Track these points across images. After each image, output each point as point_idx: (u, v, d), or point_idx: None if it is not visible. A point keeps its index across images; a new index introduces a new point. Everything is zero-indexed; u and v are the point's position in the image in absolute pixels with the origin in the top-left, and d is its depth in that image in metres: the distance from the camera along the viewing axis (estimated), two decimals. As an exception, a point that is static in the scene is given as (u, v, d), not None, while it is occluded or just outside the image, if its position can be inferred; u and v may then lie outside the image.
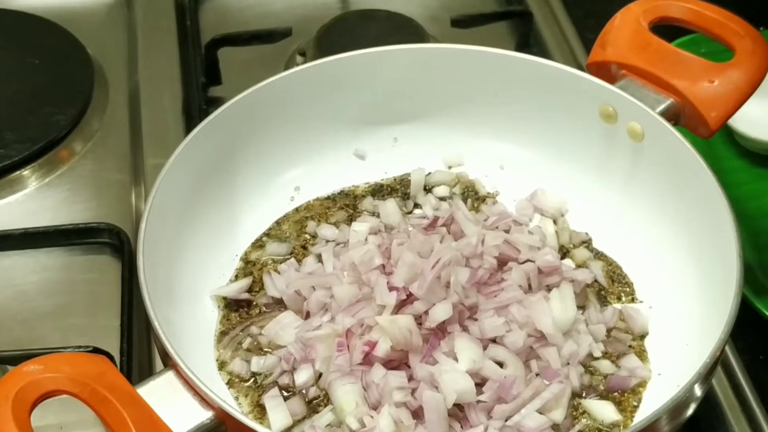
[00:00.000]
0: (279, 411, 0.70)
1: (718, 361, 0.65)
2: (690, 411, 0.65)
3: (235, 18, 1.10)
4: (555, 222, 0.84)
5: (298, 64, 0.87)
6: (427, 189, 0.87)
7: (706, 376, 0.63)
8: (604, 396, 0.73)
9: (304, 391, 0.73)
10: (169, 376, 0.63)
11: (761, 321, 0.81)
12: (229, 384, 0.74)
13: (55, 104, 0.98)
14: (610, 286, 0.80)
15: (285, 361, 0.73)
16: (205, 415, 0.62)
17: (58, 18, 1.07)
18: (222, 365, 0.75)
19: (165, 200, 0.74)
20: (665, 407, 0.61)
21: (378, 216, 0.84)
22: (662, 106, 0.79)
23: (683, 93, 0.79)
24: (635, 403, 0.72)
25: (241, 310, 0.78)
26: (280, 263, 0.81)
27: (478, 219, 0.82)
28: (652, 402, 0.72)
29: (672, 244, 0.78)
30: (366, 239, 0.78)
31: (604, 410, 0.71)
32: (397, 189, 0.87)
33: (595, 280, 0.80)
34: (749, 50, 0.79)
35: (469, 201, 0.86)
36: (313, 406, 0.72)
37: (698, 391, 0.64)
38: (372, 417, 0.68)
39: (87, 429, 0.75)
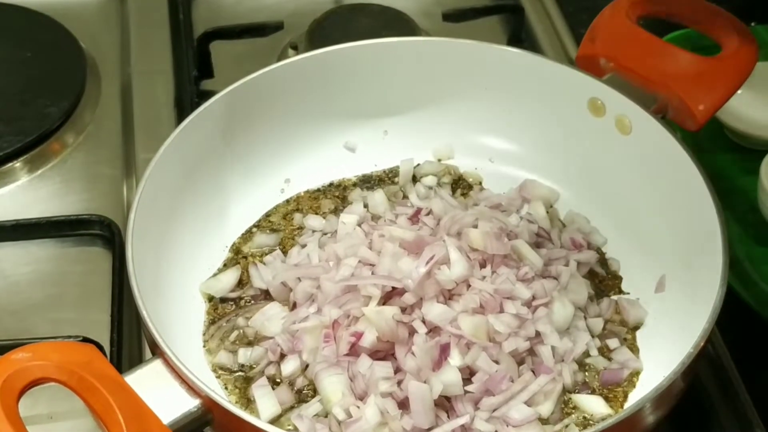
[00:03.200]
0: (267, 400, 0.71)
1: (703, 351, 0.65)
2: (675, 401, 0.66)
3: (227, 11, 1.10)
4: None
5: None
6: (416, 179, 0.88)
7: (690, 366, 0.63)
8: (596, 391, 0.73)
9: (291, 382, 0.73)
10: (157, 364, 0.64)
11: (751, 314, 0.81)
12: (217, 375, 0.74)
13: (48, 97, 0.98)
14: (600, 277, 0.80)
15: (271, 352, 0.74)
16: (192, 403, 0.62)
17: (50, 11, 1.07)
18: (209, 355, 0.75)
19: (155, 191, 0.75)
20: (648, 397, 0.62)
21: (366, 207, 0.84)
22: (650, 100, 0.79)
23: (671, 86, 0.79)
24: (627, 393, 0.73)
25: (227, 302, 0.79)
26: (269, 254, 0.81)
27: (466, 204, 0.83)
28: (640, 394, 0.72)
29: (659, 236, 0.79)
30: (354, 230, 0.79)
31: (594, 404, 0.72)
32: (386, 180, 0.88)
33: (589, 271, 0.80)
34: (736, 45, 0.80)
35: (459, 190, 0.87)
36: (301, 396, 0.72)
37: (682, 381, 0.64)
38: (358, 407, 0.68)
39: (77, 419, 0.75)
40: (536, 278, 0.76)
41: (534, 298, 0.74)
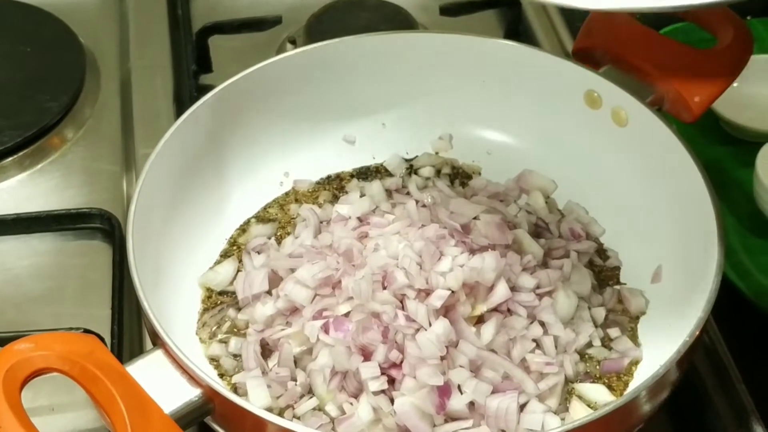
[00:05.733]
0: (260, 391, 0.70)
1: (699, 340, 0.66)
2: (671, 390, 0.67)
3: (225, 6, 1.11)
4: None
5: (288, 52, 0.88)
6: (414, 171, 0.88)
7: (685, 355, 0.64)
8: (599, 380, 0.73)
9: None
10: (158, 354, 0.64)
11: (746, 304, 0.82)
12: (215, 365, 0.74)
13: (48, 92, 0.98)
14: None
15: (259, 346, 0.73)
16: (193, 393, 0.63)
17: (50, 7, 1.07)
18: (202, 345, 0.75)
19: (154, 185, 0.75)
20: (645, 385, 0.62)
21: (362, 197, 0.84)
22: (646, 92, 0.80)
23: (667, 78, 0.80)
24: (628, 383, 0.73)
25: (225, 294, 0.79)
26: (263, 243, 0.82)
27: (465, 194, 0.83)
28: (638, 383, 0.72)
29: (655, 227, 0.79)
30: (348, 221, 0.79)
31: (597, 393, 0.72)
32: (384, 172, 0.88)
33: (590, 261, 0.81)
34: (731, 37, 0.80)
35: (457, 180, 0.87)
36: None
37: (678, 369, 0.65)
38: (351, 404, 0.69)
39: (78, 410, 0.75)
40: (539, 268, 0.76)
41: (538, 287, 0.75)
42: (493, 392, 0.68)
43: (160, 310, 0.67)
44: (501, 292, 0.72)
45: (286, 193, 0.87)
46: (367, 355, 0.69)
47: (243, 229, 0.84)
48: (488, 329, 0.71)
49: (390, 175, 0.88)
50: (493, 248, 0.74)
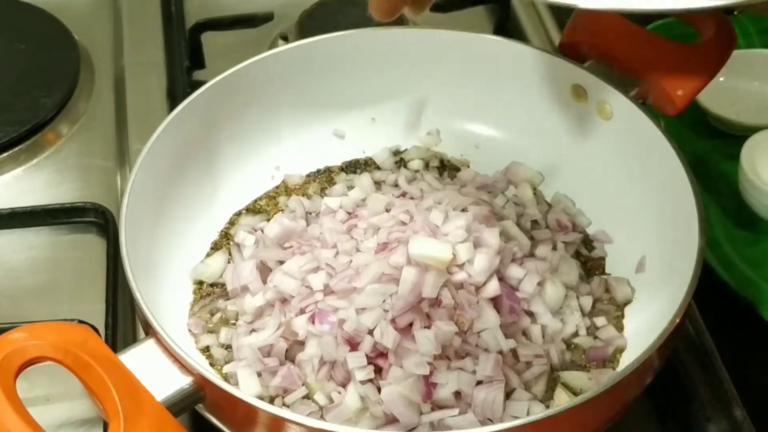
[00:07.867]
0: (251, 380, 0.71)
1: (679, 328, 0.66)
2: (652, 376, 0.67)
3: (218, 3, 1.12)
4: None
5: (280, 49, 0.89)
6: (404, 163, 0.89)
7: (665, 342, 0.65)
8: (586, 368, 0.74)
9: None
10: (150, 343, 0.65)
11: (731, 295, 0.83)
12: (207, 355, 0.75)
13: (42, 88, 0.99)
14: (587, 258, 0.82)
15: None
16: (184, 381, 0.64)
17: (44, 4, 1.08)
18: (193, 336, 0.76)
19: (147, 179, 0.76)
20: (624, 372, 0.63)
21: (350, 189, 0.85)
22: (630, 85, 0.81)
23: (651, 72, 0.80)
24: (613, 368, 0.74)
25: (216, 285, 0.80)
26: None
27: (454, 185, 0.84)
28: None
29: (639, 218, 0.80)
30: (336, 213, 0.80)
31: (582, 380, 0.73)
32: (373, 165, 0.89)
33: (576, 251, 0.82)
34: (713, 31, 0.81)
35: (446, 173, 0.88)
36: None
37: (659, 357, 0.66)
38: (339, 393, 0.70)
39: (72, 400, 0.76)
40: (526, 258, 0.77)
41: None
42: (479, 382, 0.69)
43: (152, 300, 0.68)
44: (492, 288, 0.73)
45: (277, 187, 0.88)
46: (354, 345, 0.70)
47: (233, 221, 0.85)
48: None
49: (379, 168, 0.89)
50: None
